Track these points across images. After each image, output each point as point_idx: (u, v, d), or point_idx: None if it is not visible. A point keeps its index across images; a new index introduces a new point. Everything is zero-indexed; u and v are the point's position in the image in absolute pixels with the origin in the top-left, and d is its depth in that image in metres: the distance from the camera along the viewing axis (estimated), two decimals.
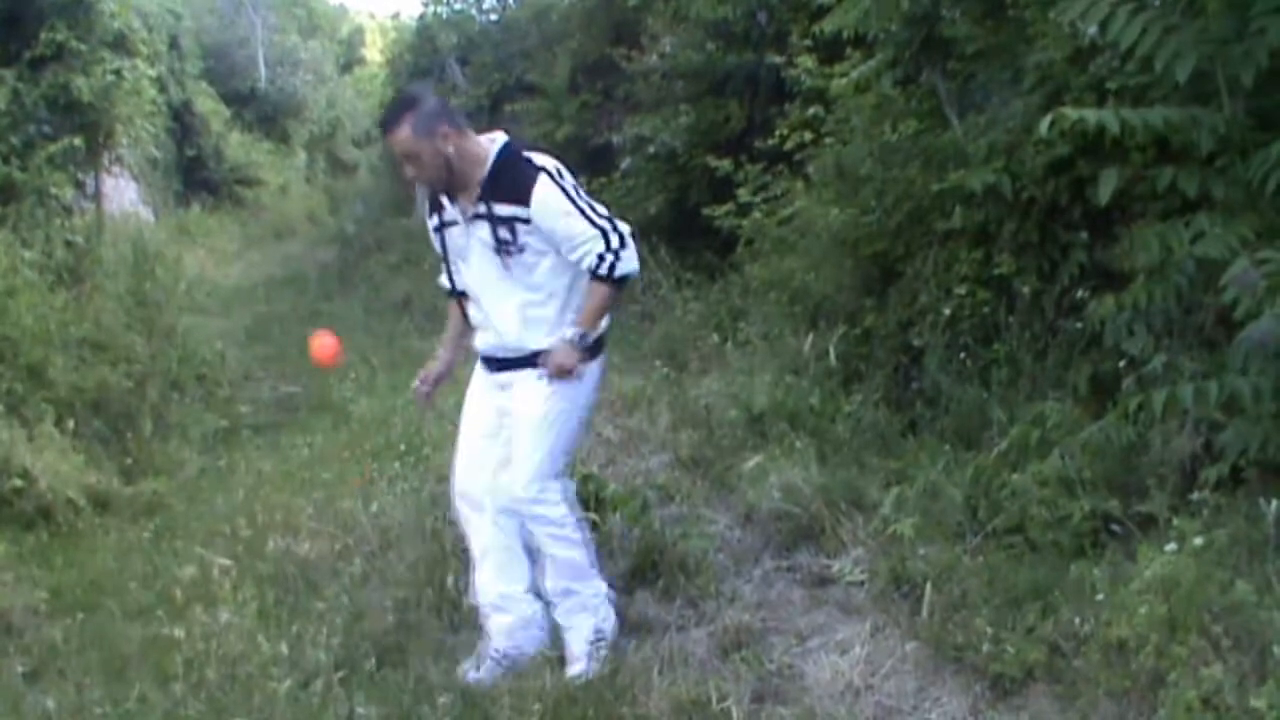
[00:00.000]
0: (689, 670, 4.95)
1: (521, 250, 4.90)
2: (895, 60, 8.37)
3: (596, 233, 4.84)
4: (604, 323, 5.10)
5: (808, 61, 10.48)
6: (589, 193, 5.05)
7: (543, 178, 4.84)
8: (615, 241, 4.88)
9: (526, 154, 4.99)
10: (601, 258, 4.85)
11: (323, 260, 23.19)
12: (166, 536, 7.56)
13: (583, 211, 4.84)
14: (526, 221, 4.84)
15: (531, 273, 4.96)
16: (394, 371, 11.34)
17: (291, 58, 39.37)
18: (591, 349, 5.04)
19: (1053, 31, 6.91)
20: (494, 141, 4.98)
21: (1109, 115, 5.16)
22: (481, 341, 5.24)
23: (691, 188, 12.93)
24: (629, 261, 4.95)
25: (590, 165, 15.25)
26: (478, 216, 4.94)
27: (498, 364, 5.18)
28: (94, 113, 16.17)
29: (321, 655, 5.23)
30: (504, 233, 4.88)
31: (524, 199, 4.82)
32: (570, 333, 4.92)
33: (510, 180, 4.87)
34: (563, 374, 4.91)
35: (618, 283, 4.97)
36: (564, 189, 4.85)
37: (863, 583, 5.65)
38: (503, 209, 4.86)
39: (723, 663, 5.09)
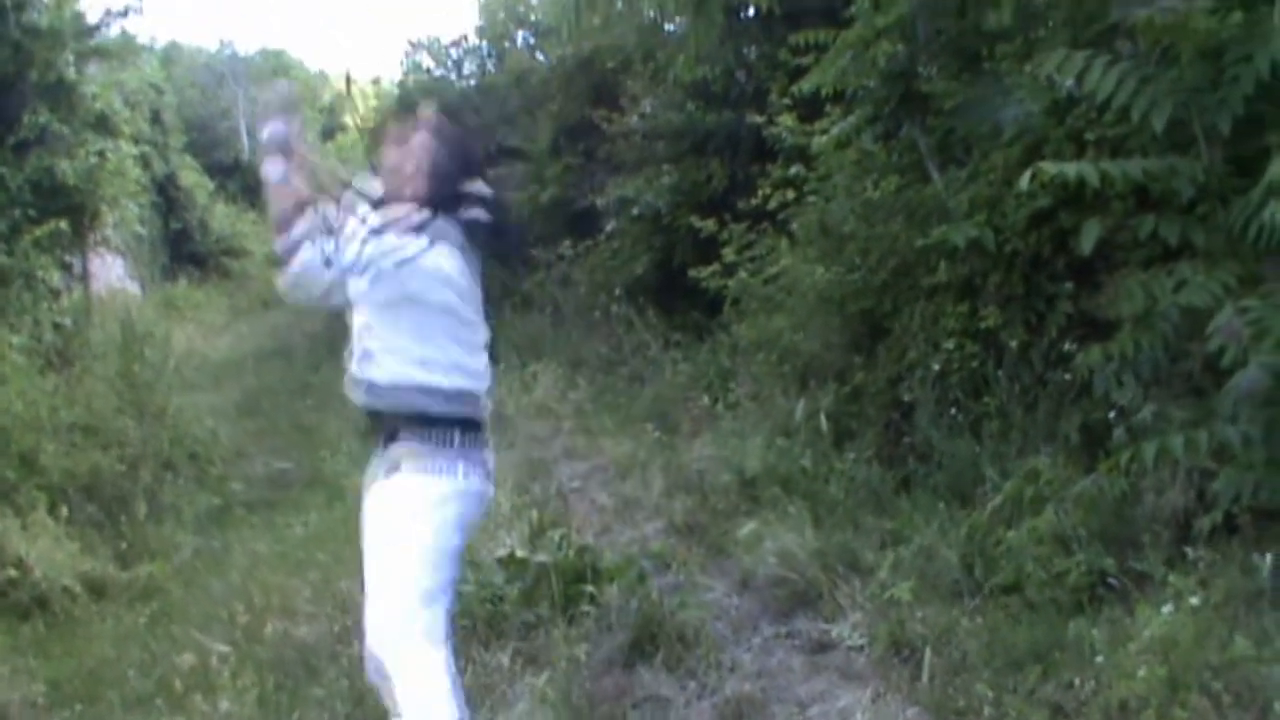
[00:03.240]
0: None
1: None
2: (875, 116, 8.41)
3: None
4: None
5: (788, 119, 10.51)
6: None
7: None
8: None
9: None
10: None
11: (310, 330, 23.08)
12: (164, 622, 7.52)
13: None
14: None
15: None
16: None
17: None
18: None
19: (1030, 84, 6.94)
20: None
21: (1088, 168, 5.19)
22: None
23: (676, 248, 12.96)
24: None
25: (575, 228, 15.32)
26: None
27: None
28: (79, 194, 16.16)
29: None
30: None
31: None
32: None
33: None
34: None
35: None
36: None
37: (862, 647, 5.62)
38: None
39: None
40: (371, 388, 4.31)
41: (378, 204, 4.38)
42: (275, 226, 4.24)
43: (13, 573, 8.05)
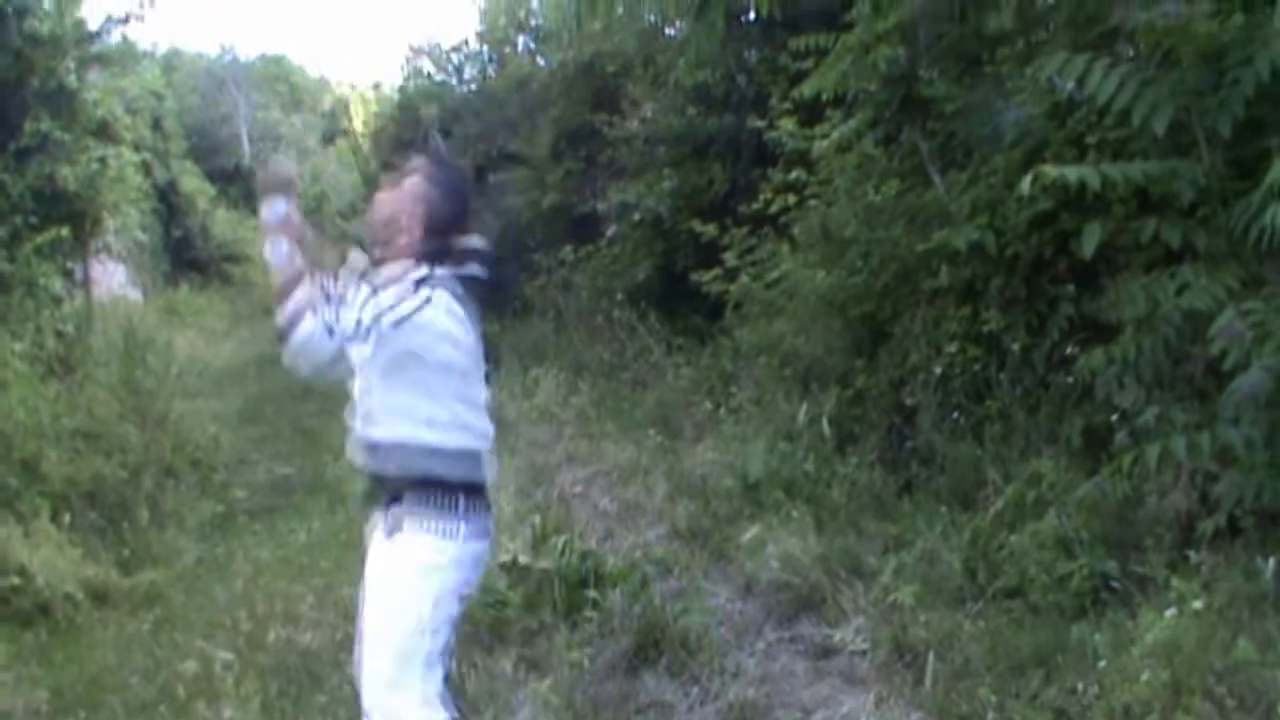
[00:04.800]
0: None
1: None
2: (876, 120, 8.43)
3: None
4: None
5: (789, 124, 10.52)
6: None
7: None
8: None
9: None
10: None
11: None
12: (166, 629, 7.51)
13: None
14: None
15: None
16: None
17: (274, 133, 39.55)
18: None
19: (1031, 87, 6.95)
20: None
21: (1090, 171, 5.19)
22: None
23: (678, 252, 12.95)
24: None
25: (576, 233, 15.32)
26: None
27: None
28: (80, 201, 16.14)
29: None
30: None
31: None
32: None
33: None
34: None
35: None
36: None
37: (865, 652, 5.63)
38: None
39: None
40: (375, 449, 4.23)
41: (374, 260, 4.30)
42: (276, 299, 4.16)
43: (15, 580, 8.03)
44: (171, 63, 37.93)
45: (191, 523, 9.83)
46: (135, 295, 23.51)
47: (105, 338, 13.75)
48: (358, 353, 4.18)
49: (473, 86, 22.91)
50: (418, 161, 4.58)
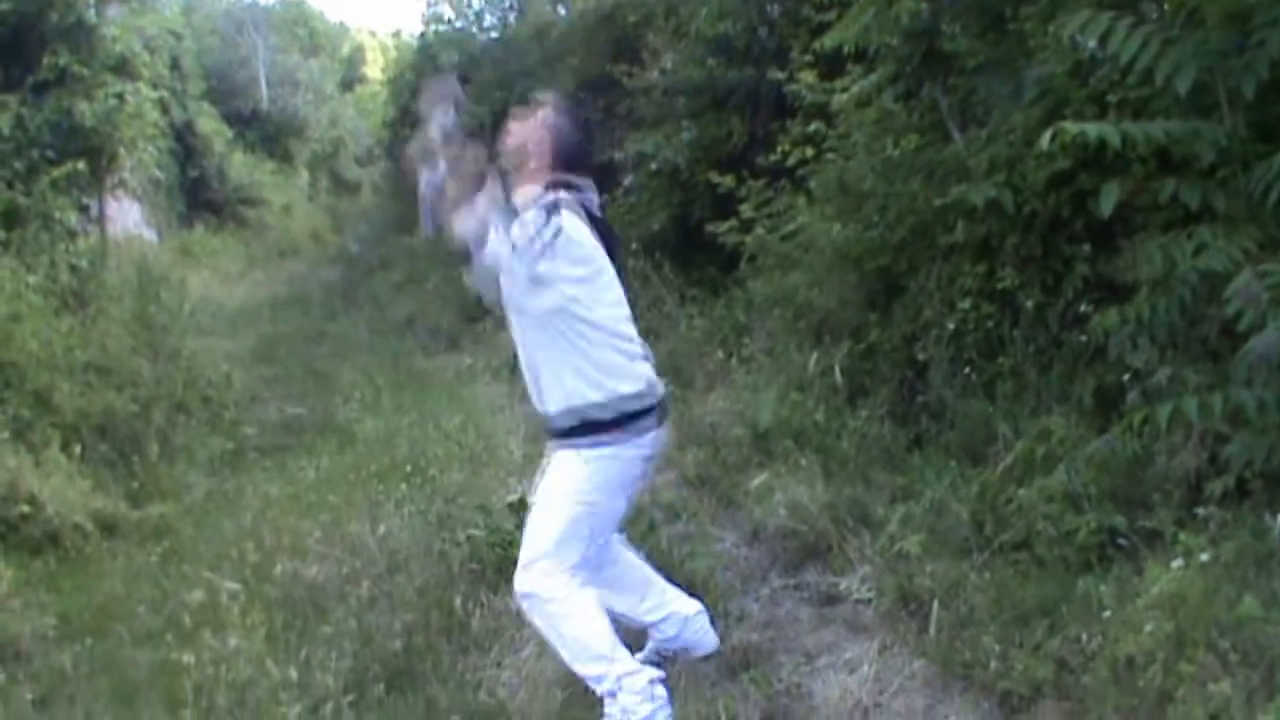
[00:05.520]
0: (699, 690, 4.95)
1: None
2: (896, 75, 8.38)
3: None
4: (628, 396, 4.53)
5: (809, 77, 10.48)
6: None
7: None
8: None
9: None
10: None
11: (327, 279, 23.20)
12: (174, 561, 7.55)
13: None
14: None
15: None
16: (399, 391, 11.37)
17: (293, 77, 39.46)
18: (592, 429, 4.53)
19: (1053, 45, 6.92)
20: None
21: (1110, 129, 5.15)
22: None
23: (694, 204, 12.91)
24: None
25: (594, 182, 15.27)
26: None
27: None
28: (97, 137, 16.19)
29: (330, 679, 5.22)
30: None
31: None
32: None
33: None
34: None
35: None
36: None
37: (870, 600, 5.65)
38: None
39: (732, 682, 5.09)
40: (550, 420, 4.64)
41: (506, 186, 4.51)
42: (453, 210, 4.45)
43: (25, 508, 8.08)
44: (191, 3, 37.86)
45: (201, 458, 9.88)
46: (150, 235, 23.56)
47: (119, 274, 13.76)
48: (511, 286, 4.47)
49: (493, 34, 22.85)
50: (548, 95, 4.91)
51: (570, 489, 4.60)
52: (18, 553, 7.87)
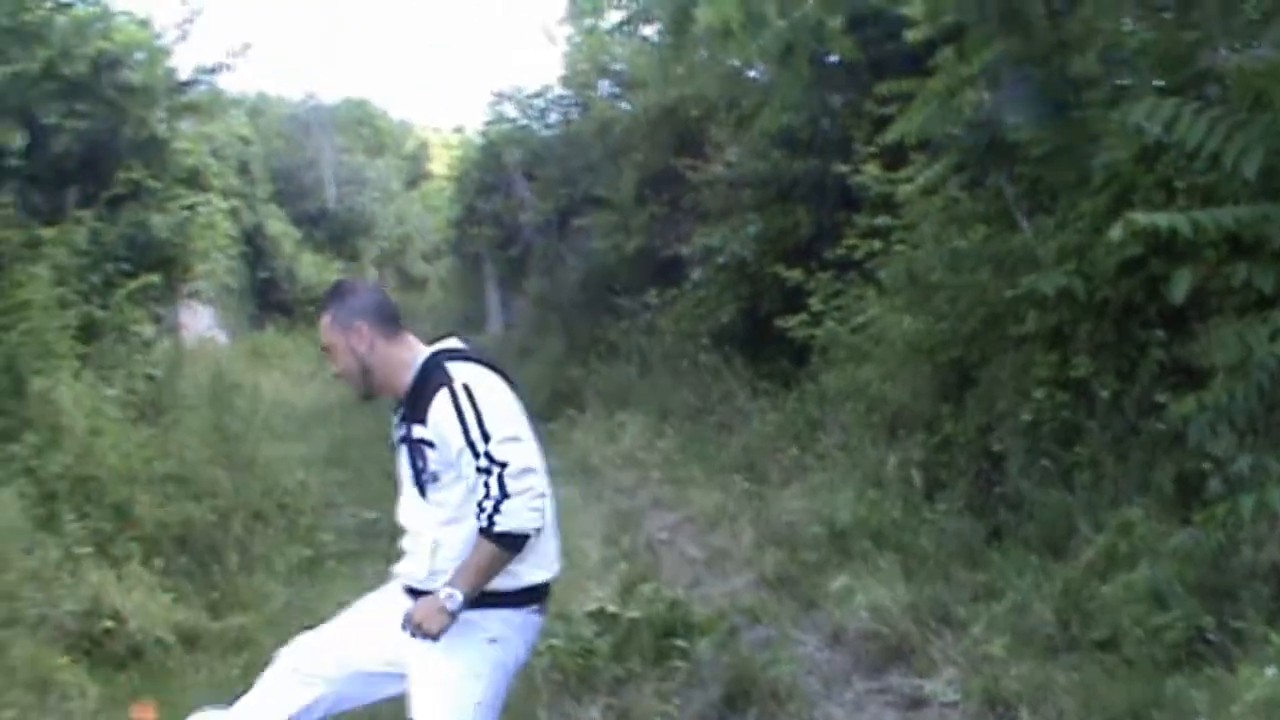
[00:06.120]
0: None
1: (434, 479, 4.10)
2: (961, 164, 8.38)
3: (479, 476, 3.92)
4: (519, 574, 4.11)
5: (873, 168, 10.48)
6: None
7: (441, 394, 4.03)
8: (494, 489, 3.89)
9: (449, 363, 4.19)
10: (480, 507, 3.90)
11: None
12: (256, 672, 7.54)
13: (471, 445, 3.93)
14: (432, 445, 4.07)
15: (445, 506, 4.11)
16: None
17: (359, 176, 39.81)
18: (493, 600, 4.06)
19: (1118, 131, 6.89)
20: (422, 351, 4.33)
21: (1180, 218, 5.13)
22: (401, 568, 4.34)
23: (763, 297, 12.90)
24: (512, 517, 3.89)
25: (661, 277, 15.32)
26: (401, 439, 4.21)
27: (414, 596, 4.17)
28: (170, 248, 16.40)
29: None
30: (418, 459, 4.13)
31: (423, 418, 4.07)
32: (444, 591, 3.91)
33: (420, 395, 4.13)
34: (418, 630, 3.94)
35: (498, 540, 3.92)
36: (459, 410, 3.98)
37: (956, 703, 5.57)
38: (415, 430, 4.11)
39: None
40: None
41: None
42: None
43: (108, 623, 8.12)
44: (257, 108, 38.30)
45: (279, 566, 9.88)
46: (221, 337, 23.76)
47: (194, 381, 13.88)
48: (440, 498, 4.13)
49: (556, 130, 22.99)
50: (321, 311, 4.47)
51: None
52: (103, 668, 7.89)
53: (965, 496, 7.72)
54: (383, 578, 8.82)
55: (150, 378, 12.77)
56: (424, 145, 53.03)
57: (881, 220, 10.11)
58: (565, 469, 12.11)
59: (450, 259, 35.33)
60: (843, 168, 11.49)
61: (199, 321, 21.72)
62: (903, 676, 6.00)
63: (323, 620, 7.20)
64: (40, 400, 11.18)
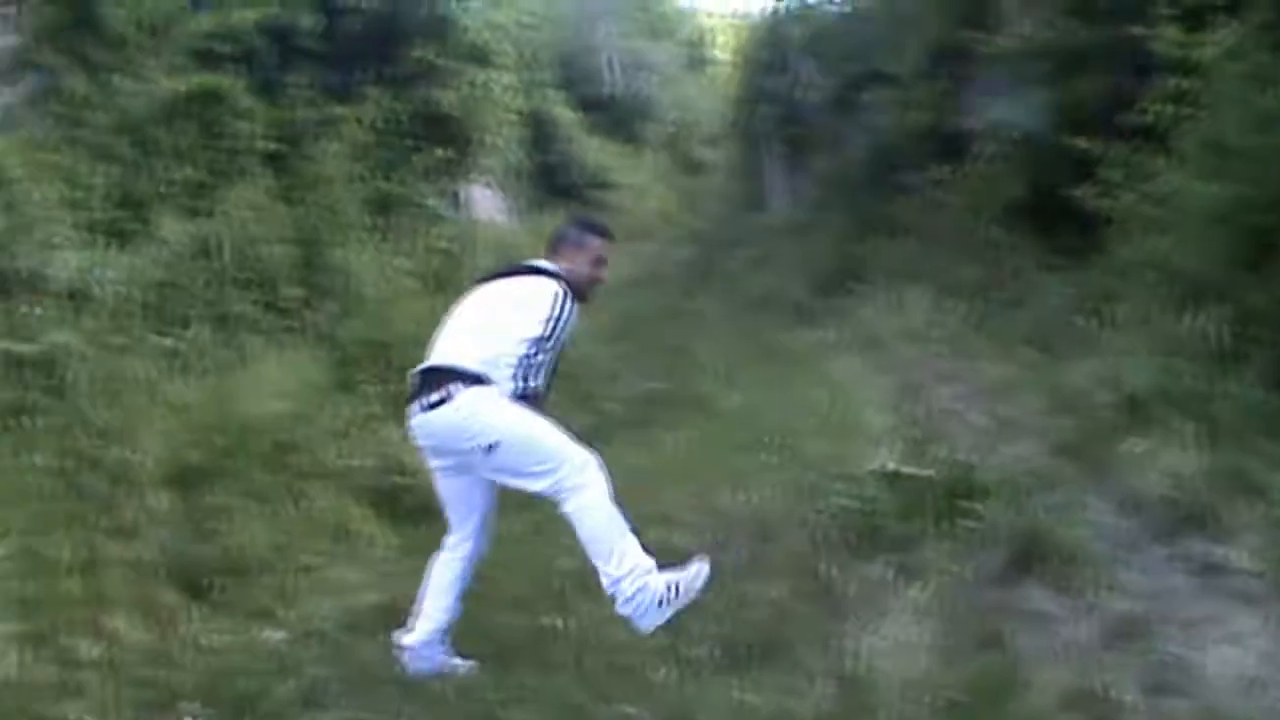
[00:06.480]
0: (1076, 660, 4.83)
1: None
2: (1266, 23, 8.01)
3: None
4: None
5: (1172, 31, 10.07)
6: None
7: None
8: None
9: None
10: None
11: (680, 259, 23.41)
12: (543, 529, 7.73)
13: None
14: None
15: None
16: (757, 366, 11.39)
17: (641, 61, 39.89)
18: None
19: None
20: None
21: None
22: None
23: (1053, 169, 12.51)
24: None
25: (946, 152, 15.02)
26: None
27: None
28: (458, 125, 16.78)
29: (702, 645, 5.28)
30: None
31: None
32: None
33: None
34: None
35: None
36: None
37: (1261, 573, 5.38)
38: None
39: (1110, 653, 4.94)
40: None
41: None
42: None
43: (400, 479, 8.43)
44: None
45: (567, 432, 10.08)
46: (505, 219, 24.14)
47: (481, 257, 14.17)
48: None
49: (840, 6, 22.69)
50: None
51: None
52: (400, 524, 8.20)
53: (1267, 368, 7.43)
54: (665, 443, 8.97)
55: (440, 251, 13.07)
56: (704, 30, 52.87)
57: (1180, 85, 9.72)
58: (849, 342, 12.09)
59: (731, 142, 35.25)
60: (1139, 32, 11.07)
61: (483, 203, 22.11)
62: (1199, 543, 5.81)
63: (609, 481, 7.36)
64: (336, 270, 11.61)
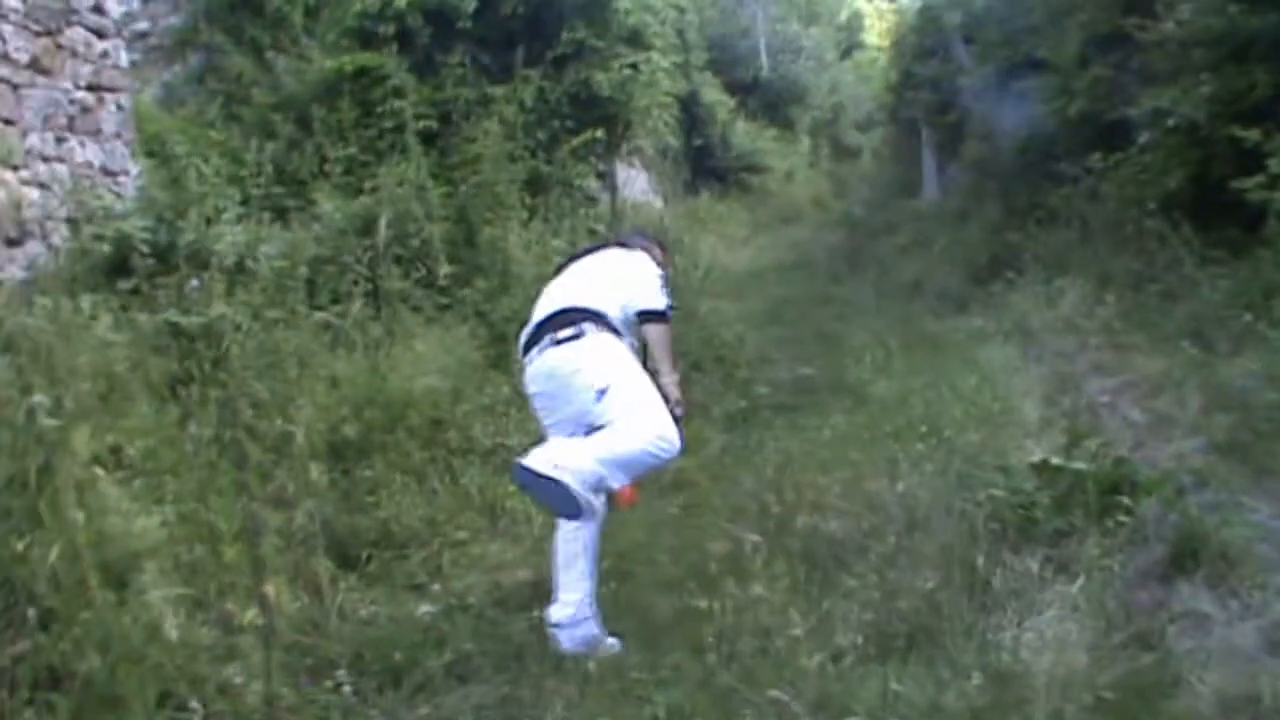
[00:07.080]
0: (1237, 664, 4.75)
1: None
2: None
3: None
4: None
5: None
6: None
7: None
8: None
9: None
10: None
11: (830, 244, 23.33)
12: (694, 512, 7.77)
13: None
14: None
15: None
16: (909, 353, 11.31)
17: (793, 45, 39.77)
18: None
19: None
20: None
21: None
22: None
23: (1214, 160, 12.29)
24: None
25: (1104, 142, 14.79)
26: None
27: None
28: (612, 105, 16.86)
29: (852, 632, 5.28)
30: None
31: None
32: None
33: None
34: None
35: None
36: None
37: None
38: None
39: (1273, 658, 4.85)
40: None
41: None
42: None
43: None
44: None
45: (716, 414, 10.10)
46: (656, 201, 24.22)
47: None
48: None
49: None
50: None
51: None
52: None
53: None
54: (816, 429, 8.93)
55: (593, 231, 13.16)
56: (858, 15, 52.58)
57: None
58: (1003, 330, 11.98)
59: (884, 128, 35.02)
60: None
61: (636, 184, 22.19)
62: None
63: (755, 465, 7.38)
64: (490, 248, 11.76)
